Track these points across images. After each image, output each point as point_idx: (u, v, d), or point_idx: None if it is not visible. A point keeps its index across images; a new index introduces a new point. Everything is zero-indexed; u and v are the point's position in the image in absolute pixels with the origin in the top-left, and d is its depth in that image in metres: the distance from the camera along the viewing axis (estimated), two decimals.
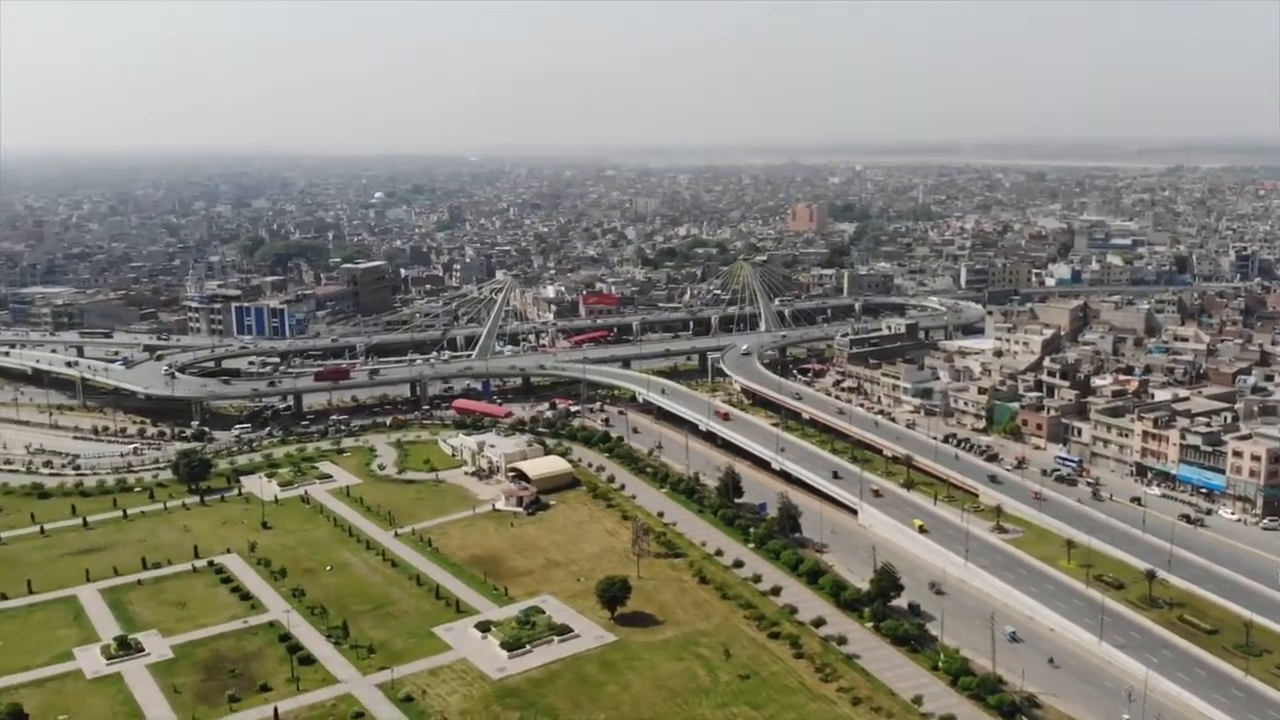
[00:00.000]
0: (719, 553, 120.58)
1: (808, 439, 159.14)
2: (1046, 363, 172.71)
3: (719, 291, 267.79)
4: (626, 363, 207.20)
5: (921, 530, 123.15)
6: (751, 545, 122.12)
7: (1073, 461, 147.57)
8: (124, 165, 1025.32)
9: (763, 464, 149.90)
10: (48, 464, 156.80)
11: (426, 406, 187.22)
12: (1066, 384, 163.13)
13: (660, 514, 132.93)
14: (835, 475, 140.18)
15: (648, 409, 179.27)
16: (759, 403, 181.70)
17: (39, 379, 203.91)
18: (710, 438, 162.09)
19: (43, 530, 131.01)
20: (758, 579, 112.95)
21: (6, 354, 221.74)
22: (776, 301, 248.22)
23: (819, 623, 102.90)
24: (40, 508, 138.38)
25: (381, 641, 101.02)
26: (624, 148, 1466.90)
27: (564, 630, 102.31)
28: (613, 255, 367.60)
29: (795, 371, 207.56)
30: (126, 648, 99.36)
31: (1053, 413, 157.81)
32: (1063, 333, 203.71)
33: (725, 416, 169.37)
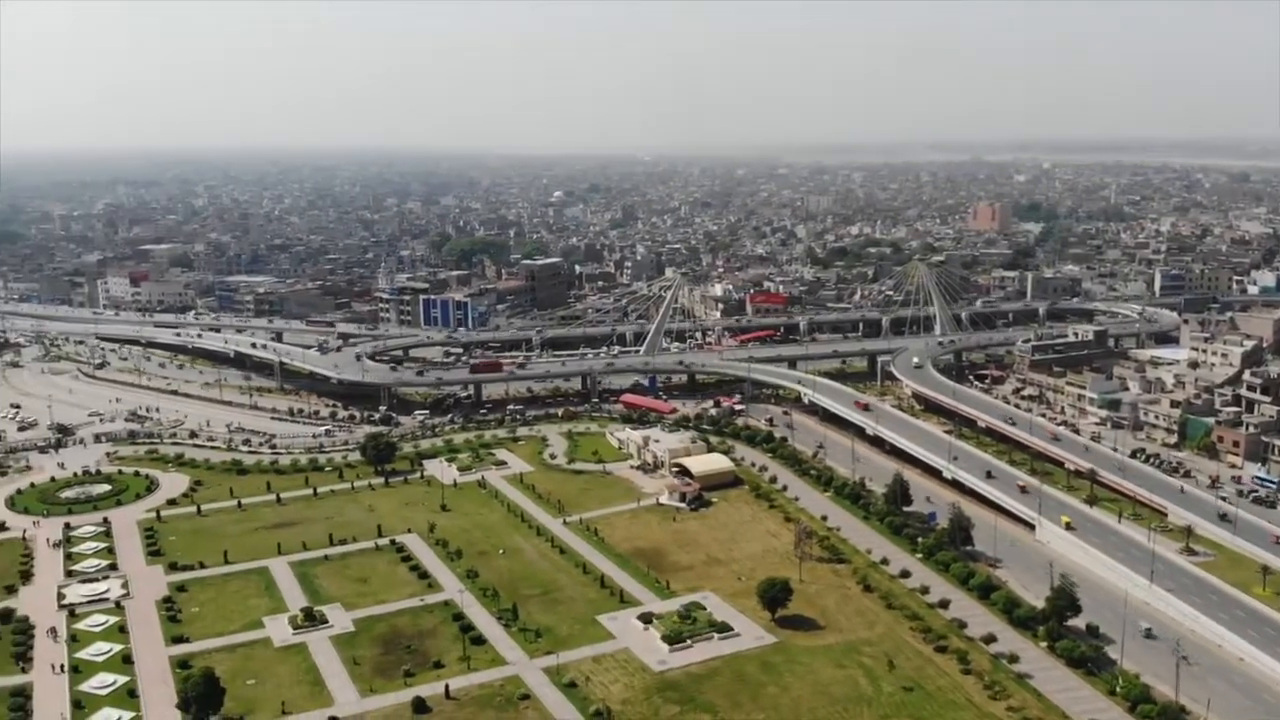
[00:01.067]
0: (884, 561, 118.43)
1: (983, 448, 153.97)
2: (1246, 376, 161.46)
3: (891, 292, 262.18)
4: (792, 363, 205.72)
5: (1068, 527, 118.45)
6: (919, 555, 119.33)
7: (1272, 482, 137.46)
8: (325, 163, 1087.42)
9: (933, 472, 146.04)
10: (246, 442, 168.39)
11: (596, 400, 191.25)
12: (1268, 399, 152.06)
13: (824, 518, 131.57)
14: (1022, 490, 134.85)
15: (813, 410, 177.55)
16: (930, 408, 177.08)
17: (240, 362, 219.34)
18: (878, 442, 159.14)
19: (240, 505, 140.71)
20: (925, 590, 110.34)
21: (198, 336, 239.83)
22: (953, 304, 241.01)
23: (989, 639, 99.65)
24: (238, 483, 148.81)
25: (548, 626, 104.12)
26: (797, 146, 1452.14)
27: (724, 628, 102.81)
28: (782, 254, 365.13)
29: (971, 378, 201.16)
30: (312, 619, 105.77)
31: (1252, 430, 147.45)
32: (1265, 344, 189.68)
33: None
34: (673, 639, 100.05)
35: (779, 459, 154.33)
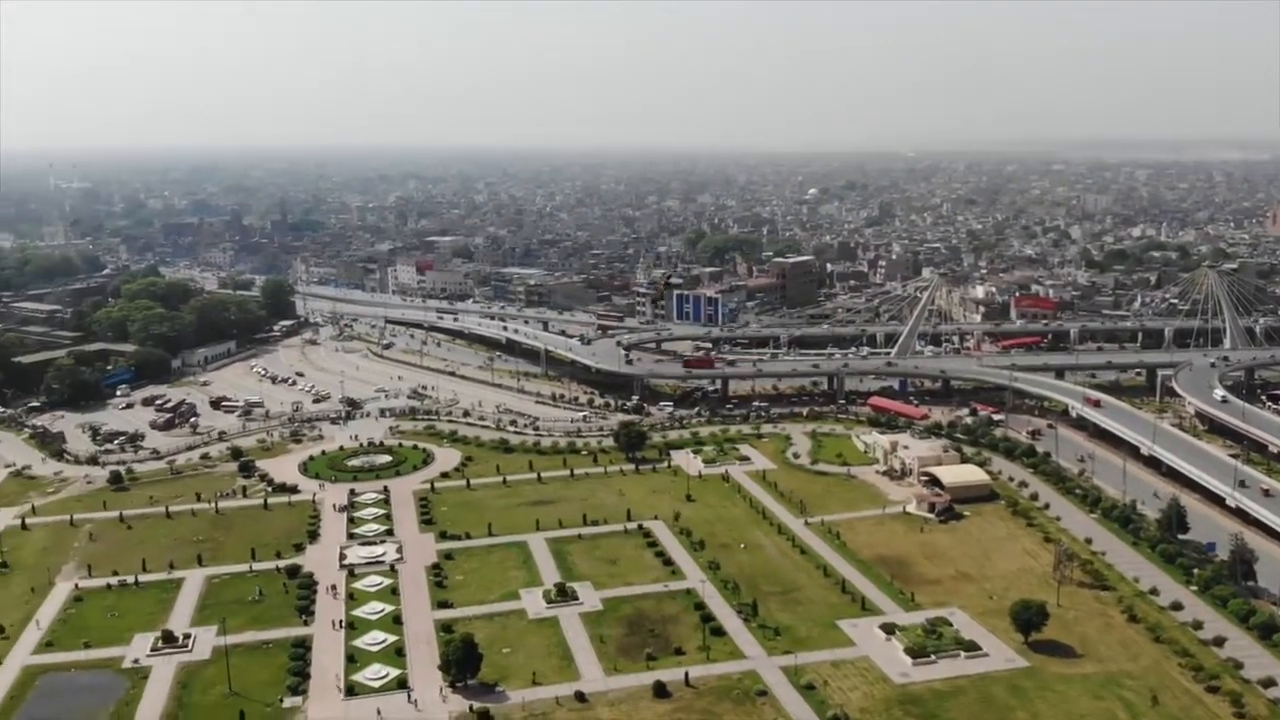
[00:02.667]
0: (1154, 591, 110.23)
1: (1275, 476, 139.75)
2: None
3: (1175, 301, 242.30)
4: (1060, 373, 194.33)
5: None
6: (1194, 588, 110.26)
7: None
8: (592, 162, 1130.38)
9: (1215, 499, 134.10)
10: (513, 423, 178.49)
11: (843, 401, 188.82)
12: None
13: (1087, 540, 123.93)
14: None
15: (1080, 425, 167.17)
16: (1215, 429, 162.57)
17: (511, 348, 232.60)
18: (1153, 463, 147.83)
19: (505, 481, 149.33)
20: (1198, 625, 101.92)
21: (455, 319, 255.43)
22: (1246, 316, 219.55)
23: (1269, 683, 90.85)
24: (504, 461, 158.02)
25: (787, 625, 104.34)
26: (1074, 140, 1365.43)
27: (972, 647, 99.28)
28: (1053, 256, 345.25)
29: (1264, 398, 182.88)
30: (564, 595, 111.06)
31: None
32: None
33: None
34: (916, 652, 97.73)
35: (1040, 474, 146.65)
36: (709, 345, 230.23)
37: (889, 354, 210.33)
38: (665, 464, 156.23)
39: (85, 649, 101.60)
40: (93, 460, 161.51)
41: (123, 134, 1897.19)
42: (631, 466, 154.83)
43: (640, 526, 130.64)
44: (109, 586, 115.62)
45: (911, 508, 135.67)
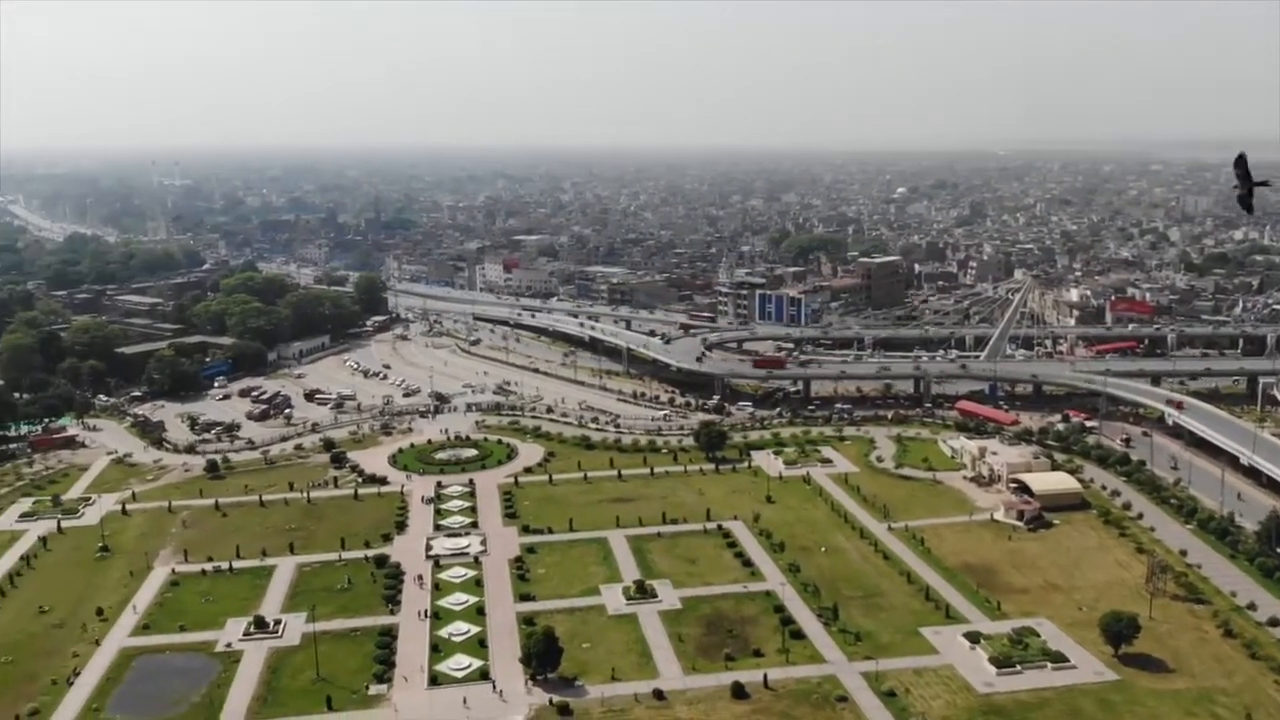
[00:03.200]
0: (1251, 606, 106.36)
1: None
2: None
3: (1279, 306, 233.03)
4: (1156, 379, 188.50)
5: None
6: None
7: None
8: (676, 161, 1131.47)
9: None
10: (594, 420, 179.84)
11: (928, 404, 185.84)
12: None
13: (1183, 553, 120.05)
14: None
15: (1176, 433, 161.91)
16: None
17: (593, 346, 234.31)
18: (1253, 474, 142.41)
19: (586, 477, 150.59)
20: None
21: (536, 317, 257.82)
22: None
23: None
24: (586, 457, 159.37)
25: (869, 631, 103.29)
26: (1173, 140, 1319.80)
27: (1059, 658, 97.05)
28: (1150, 258, 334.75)
29: None
30: (643, 592, 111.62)
31: None
32: None
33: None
34: (1001, 662, 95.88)
35: (1134, 484, 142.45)
36: (791, 346, 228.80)
37: (978, 357, 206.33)
38: (745, 464, 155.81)
39: (180, 632, 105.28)
40: (191, 449, 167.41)
41: (222, 133, 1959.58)
42: (711, 466, 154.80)
43: (720, 526, 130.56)
44: (204, 572, 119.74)
45: (999, 515, 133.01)
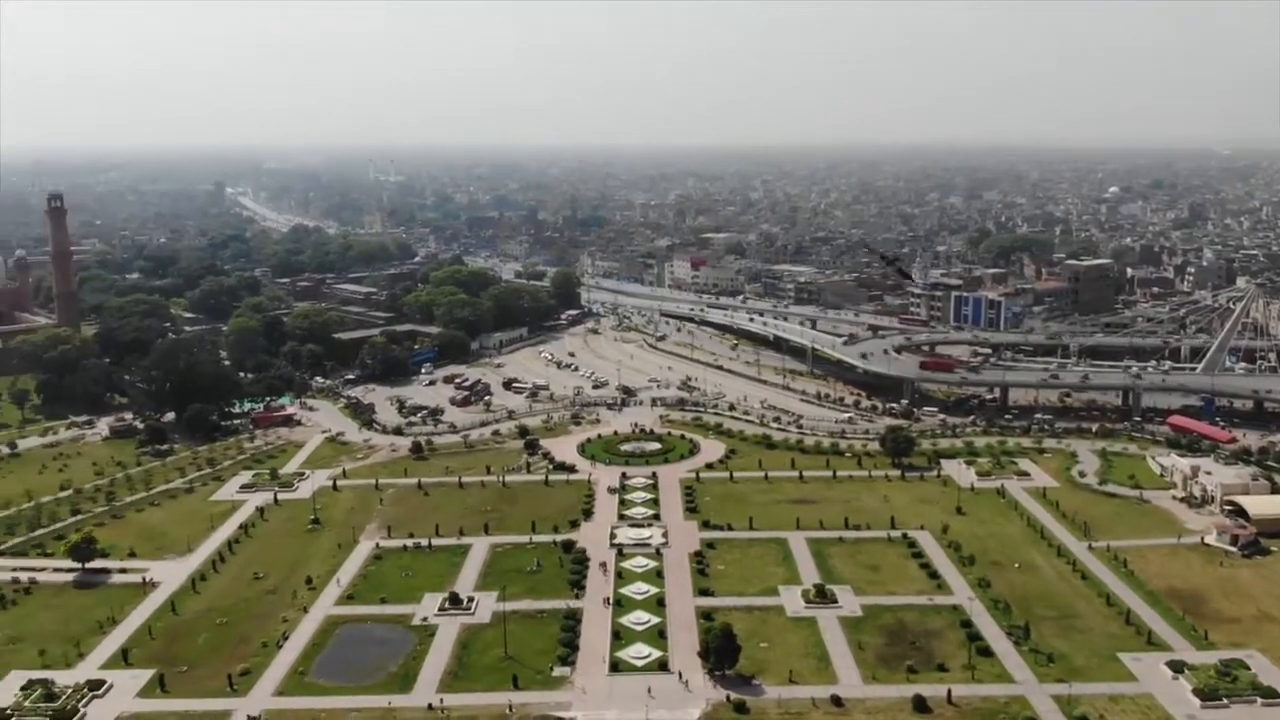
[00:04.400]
0: None
1: None
2: None
3: None
4: None
5: None
6: None
7: None
8: (869, 157, 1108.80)
9: None
10: (777, 420, 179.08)
11: (1137, 418, 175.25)
12: None
13: None
14: None
15: None
16: None
17: (778, 345, 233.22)
18: None
19: (767, 476, 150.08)
20: None
21: (743, 319, 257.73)
22: None
23: None
24: (767, 456, 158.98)
25: (1062, 653, 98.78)
26: None
27: (1271, 694, 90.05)
28: None
29: None
30: (823, 596, 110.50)
31: None
32: None
33: None
34: (1206, 694, 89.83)
35: None
36: (988, 351, 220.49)
37: (1194, 369, 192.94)
38: (934, 473, 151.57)
39: (381, 604, 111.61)
40: (398, 431, 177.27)
41: (441, 133, 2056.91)
42: (897, 472, 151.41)
43: (905, 535, 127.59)
44: (405, 548, 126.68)
45: (1211, 539, 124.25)
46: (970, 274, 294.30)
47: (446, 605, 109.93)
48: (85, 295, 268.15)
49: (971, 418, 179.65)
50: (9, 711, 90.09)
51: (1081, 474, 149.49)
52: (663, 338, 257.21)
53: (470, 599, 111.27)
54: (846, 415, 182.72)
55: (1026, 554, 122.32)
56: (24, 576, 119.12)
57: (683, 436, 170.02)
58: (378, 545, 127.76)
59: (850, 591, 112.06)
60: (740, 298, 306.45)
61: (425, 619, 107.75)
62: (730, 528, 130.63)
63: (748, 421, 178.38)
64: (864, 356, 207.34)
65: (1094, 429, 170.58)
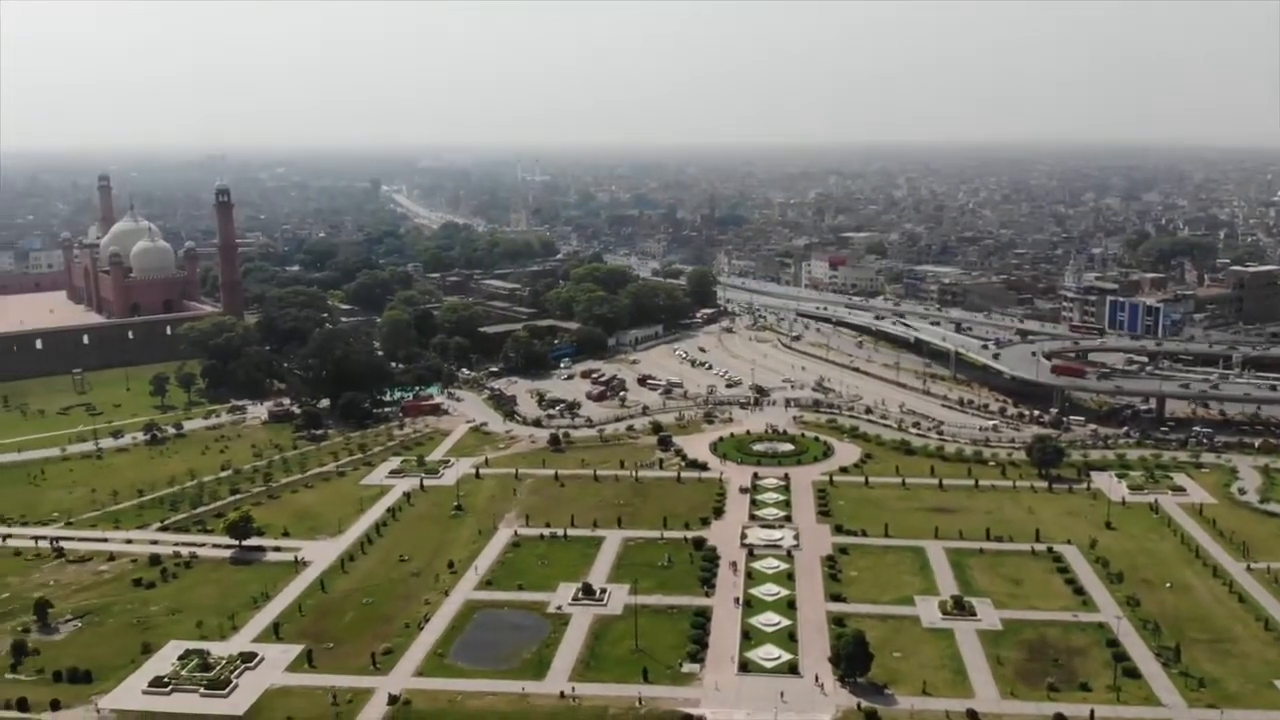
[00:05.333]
0: None
1: None
2: None
3: None
4: None
5: None
6: None
7: None
8: (1020, 155, 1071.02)
9: None
10: (916, 425, 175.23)
11: None
12: None
13: None
14: None
15: None
16: None
17: (918, 348, 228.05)
18: None
19: (904, 483, 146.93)
20: None
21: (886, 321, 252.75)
22: None
23: None
24: (905, 462, 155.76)
25: (1215, 678, 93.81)
26: None
27: None
28: None
29: None
30: (960, 608, 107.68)
31: None
32: None
33: None
34: None
35: None
36: (1145, 359, 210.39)
37: None
38: (1084, 485, 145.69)
39: (518, 590, 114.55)
40: (537, 423, 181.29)
41: (585, 133, 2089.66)
42: (1044, 484, 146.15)
43: (1050, 549, 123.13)
44: (541, 537, 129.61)
45: None
46: (1127, 278, 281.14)
47: (580, 595, 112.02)
48: (249, 285, 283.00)
49: (1125, 429, 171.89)
50: (166, 679, 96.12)
51: (1242, 491, 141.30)
52: (798, 337, 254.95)
53: (603, 590, 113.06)
54: (991, 423, 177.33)
55: (1179, 573, 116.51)
56: (185, 551, 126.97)
57: (816, 438, 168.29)
58: (516, 533, 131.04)
59: (990, 604, 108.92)
60: (880, 298, 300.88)
61: (559, 607, 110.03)
62: (864, 533, 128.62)
63: (885, 426, 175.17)
64: (1008, 361, 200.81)
65: (1257, 444, 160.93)
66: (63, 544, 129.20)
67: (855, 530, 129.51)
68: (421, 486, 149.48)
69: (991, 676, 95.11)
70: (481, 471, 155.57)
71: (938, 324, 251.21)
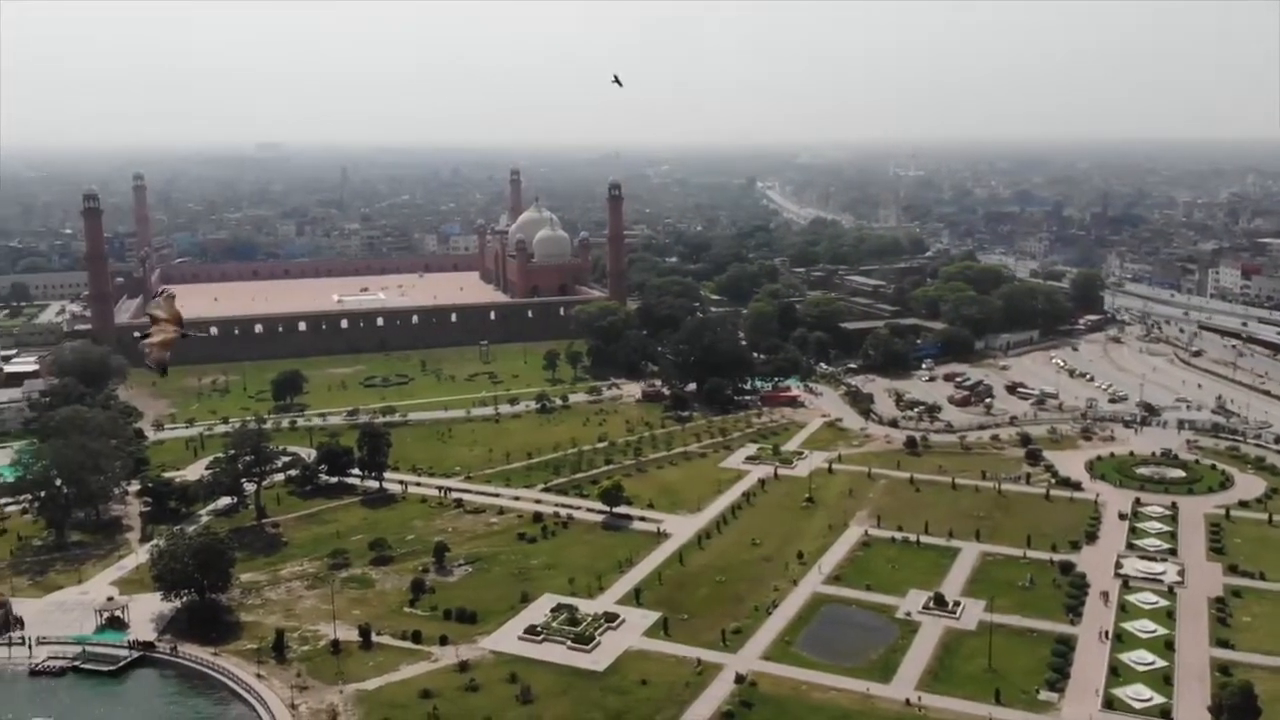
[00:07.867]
0: None
1: None
2: None
3: None
4: None
5: None
6: None
7: None
8: None
9: None
10: None
11: None
12: None
13: None
14: None
15: None
16: None
17: None
18: None
19: None
20: None
21: None
22: None
23: None
24: None
25: None
26: None
27: None
28: None
29: None
30: None
31: None
32: None
33: None
34: None
35: None
36: None
37: None
38: None
39: (866, 590, 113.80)
40: (893, 423, 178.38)
41: (969, 126, 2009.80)
42: None
43: None
44: (893, 540, 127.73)
45: None
46: None
47: (930, 604, 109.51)
48: (632, 274, 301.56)
49: None
50: (540, 629, 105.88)
51: None
52: (1198, 353, 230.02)
53: (956, 603, 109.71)
54: None
55: None
56: (564, 512, 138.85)
57: (1213, 466, 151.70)
58: (866, 533, 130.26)
59: None
60: None
61: (909, 613, 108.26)
62: (1263, 576, 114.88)
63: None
64: None
65: None
66: (461, 496, 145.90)
67: (1252, 572, 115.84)
68: (775, 475, 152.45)
69: None
70: (834, 467, 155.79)
71: None
